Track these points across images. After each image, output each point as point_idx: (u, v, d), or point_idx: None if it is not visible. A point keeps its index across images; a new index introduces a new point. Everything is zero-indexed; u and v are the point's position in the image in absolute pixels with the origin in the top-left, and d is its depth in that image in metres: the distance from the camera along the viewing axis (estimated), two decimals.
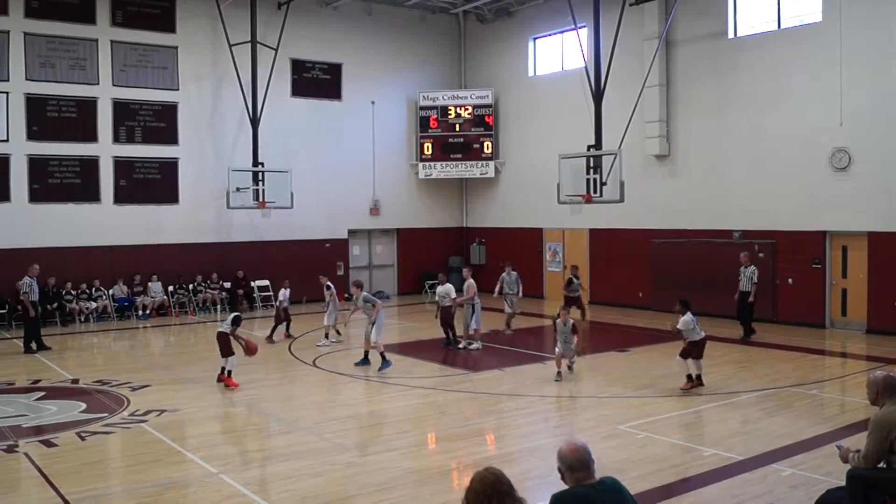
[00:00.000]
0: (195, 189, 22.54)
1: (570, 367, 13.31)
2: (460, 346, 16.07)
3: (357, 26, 25.20)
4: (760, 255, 18.93)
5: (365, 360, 14.31)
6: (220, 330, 13.03)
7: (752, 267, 16.97)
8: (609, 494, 4.17)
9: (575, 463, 4.20)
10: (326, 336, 16.90)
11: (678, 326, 12.18)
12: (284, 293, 17.64)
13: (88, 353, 17.13)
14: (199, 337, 19.09)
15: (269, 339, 17.24)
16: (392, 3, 25.59)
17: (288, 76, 23.95)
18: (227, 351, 12.81)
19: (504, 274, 18.04)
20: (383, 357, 13.78)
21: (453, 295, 16.02)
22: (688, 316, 12.16)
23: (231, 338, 12.83)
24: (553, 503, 4.14)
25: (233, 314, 13.28)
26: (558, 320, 13.27)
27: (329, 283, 17.65)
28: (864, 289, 17.50)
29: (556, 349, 13.20)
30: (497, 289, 18.05)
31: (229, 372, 12.77)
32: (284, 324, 17.68)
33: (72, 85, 20.73)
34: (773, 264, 18.73)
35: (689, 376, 12.22)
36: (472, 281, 16.12)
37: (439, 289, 16.29)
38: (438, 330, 16.53)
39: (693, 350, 12.22)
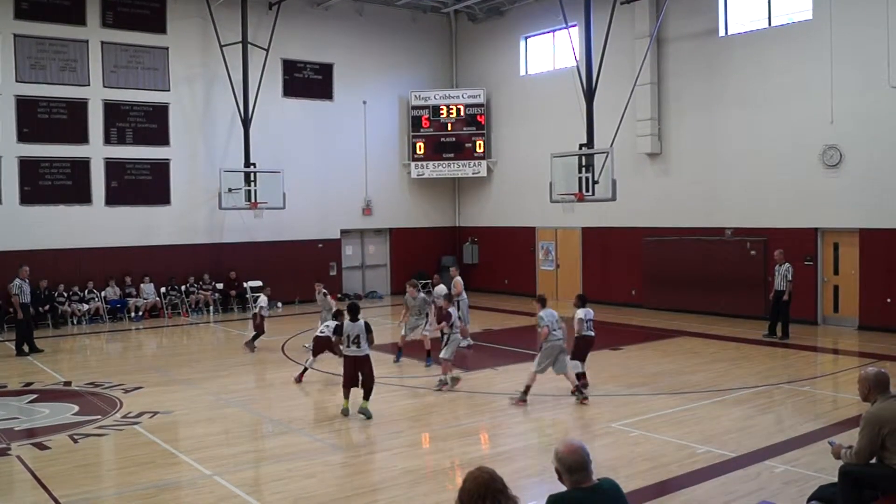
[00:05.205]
0: (187, 190, 22.48)
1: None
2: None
3: (348, 26, 25.16)
4: (752, 252, 19.00)
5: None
6: (321, 335, 13.37)
7: (787, 265, 16.43)
8: (606, 499, 4.15)
9: (574, 465, 4.13)
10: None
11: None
12: (263, 299, 16.42)
13: (81, 355, 17.08)
14: (191, 338, 19.04)
15: (250, 345, 16.21)
16: (383, 3, 25.56)
17: (279, 76, 23.90)
18: (319, 352, 13.35)
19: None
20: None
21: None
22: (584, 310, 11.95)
23: (330, 343, 13.13)
24: None
25: (335, 323, 12.77)
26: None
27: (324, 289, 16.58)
28: (856, 285, 17.58)
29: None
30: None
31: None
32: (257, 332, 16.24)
33: (62, 86, 20.65)
34: (764, 262, 18.78)
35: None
36: (443, 287, 16.06)
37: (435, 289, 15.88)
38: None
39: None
